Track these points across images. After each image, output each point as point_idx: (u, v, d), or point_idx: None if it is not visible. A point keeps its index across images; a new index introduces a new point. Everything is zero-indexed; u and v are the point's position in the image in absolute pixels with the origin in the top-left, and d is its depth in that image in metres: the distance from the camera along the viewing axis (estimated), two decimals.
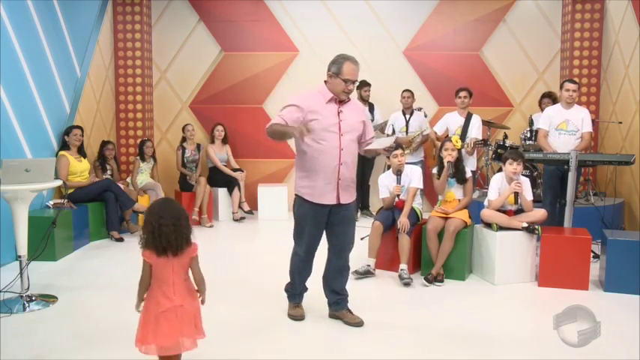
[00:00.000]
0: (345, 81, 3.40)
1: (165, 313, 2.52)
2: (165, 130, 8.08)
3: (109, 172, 6.58)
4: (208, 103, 7.98)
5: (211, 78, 7.97)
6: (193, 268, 2.66)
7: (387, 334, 3.50)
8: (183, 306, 2.56)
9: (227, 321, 3.68)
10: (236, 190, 7.20)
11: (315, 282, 3.79)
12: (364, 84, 7.18)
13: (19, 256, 3.97)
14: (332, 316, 3.70)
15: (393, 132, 6.87)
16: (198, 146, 7.38)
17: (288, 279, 3.79)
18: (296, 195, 3.56)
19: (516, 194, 4.62)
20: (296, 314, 3.72)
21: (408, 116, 6.91)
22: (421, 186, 4.89)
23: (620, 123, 6.45)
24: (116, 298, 4.11)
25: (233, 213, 7.21)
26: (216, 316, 3.75)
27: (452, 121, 6.25)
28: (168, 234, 2.50)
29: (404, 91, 6.95)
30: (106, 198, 6.00)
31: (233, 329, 3.55)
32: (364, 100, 7.27)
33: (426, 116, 7.03)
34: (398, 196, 4.77)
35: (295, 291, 3.76)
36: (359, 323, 3.61)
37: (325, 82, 3.49)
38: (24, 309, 3.85)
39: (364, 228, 5.50)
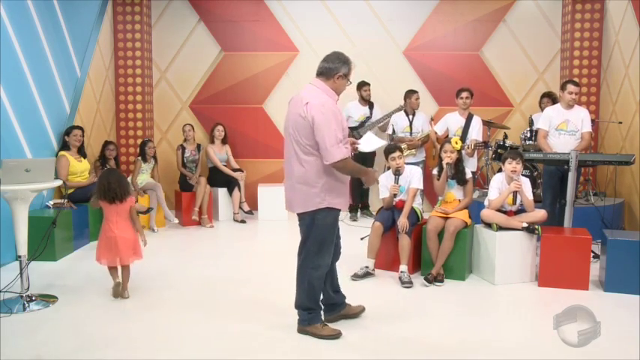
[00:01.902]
0: (348, 82, 3.43)
1: (108, 240, 4.03)
2: (165, 130, 8.08)
3: None
4: (208, 103, 7.98)
5: (211, 78, 7.97)
6: (132, 213, 4.15)
7: (387, 334, 3.50)
8: (118, 237, 4.01)
9: (227, 321, 3.68)
10: (236, 190, 7.19)
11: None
12: (364, 83, 7.18)
13: (19, 256, 3.98)
14: (339, 317, 3.63)
15: (394, 132, 6.87)
16: (199, 146, 7.37)
17: (288, 279, 3.73)
18: (323, 209, 3.28)
19: (515, 195, 4.61)
20: (334, 332, 3.41)
21: (411, 117, 6.90)
22: (421, 187, 4.87)
23: (620, 123, 6.44)
24: (116, 298, 4.11)
25: (234, 214, 7.20)
26: (216, 316, 3.77)
27: (452, 121, 6.24)
28: (115, 187, 4.02)
29: (414, 92, 6.92)
30: None
31: (233, 329, 3.55)
32: (365, 99, 7.26)
33: (432, 119, 7.03)
34: (395, 195, 4.77)
35: (320, 308, 3.50)
36: (362, 309, 3.70)
37: (322, 81, 3.41)
38: (24, 309, 3.85)
39: (364, 228, 5.50)
